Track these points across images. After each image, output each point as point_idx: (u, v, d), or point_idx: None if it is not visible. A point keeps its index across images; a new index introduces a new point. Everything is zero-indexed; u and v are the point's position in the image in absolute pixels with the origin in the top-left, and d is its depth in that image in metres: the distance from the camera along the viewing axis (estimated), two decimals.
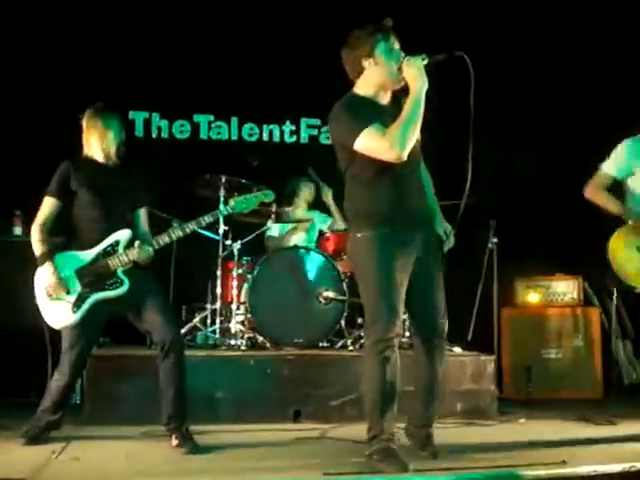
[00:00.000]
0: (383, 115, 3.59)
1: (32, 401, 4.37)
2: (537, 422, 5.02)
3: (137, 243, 4.07)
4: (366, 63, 3.62)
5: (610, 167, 4.54)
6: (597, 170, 4.58)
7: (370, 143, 3.51)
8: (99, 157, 4.23)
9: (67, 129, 6.15)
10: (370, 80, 3.66)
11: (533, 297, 6.49)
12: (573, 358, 6.24)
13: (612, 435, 4.46)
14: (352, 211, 3.77)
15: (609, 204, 4.51)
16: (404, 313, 3.84)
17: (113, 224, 4.12)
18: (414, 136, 3.53)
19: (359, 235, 3.68)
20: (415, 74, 3.55)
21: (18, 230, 5.79)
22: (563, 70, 6.99)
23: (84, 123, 4.26)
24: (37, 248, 4.13)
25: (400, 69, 3.59)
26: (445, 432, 4.55)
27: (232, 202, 4.33)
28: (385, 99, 3.70)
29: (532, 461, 3.68)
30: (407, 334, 5.44)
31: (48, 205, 4.17)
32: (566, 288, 6.45)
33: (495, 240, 5.68)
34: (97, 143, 4.21)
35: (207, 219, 4.21)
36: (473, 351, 5.46)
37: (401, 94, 3.68)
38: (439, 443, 3.95)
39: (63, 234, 4.39)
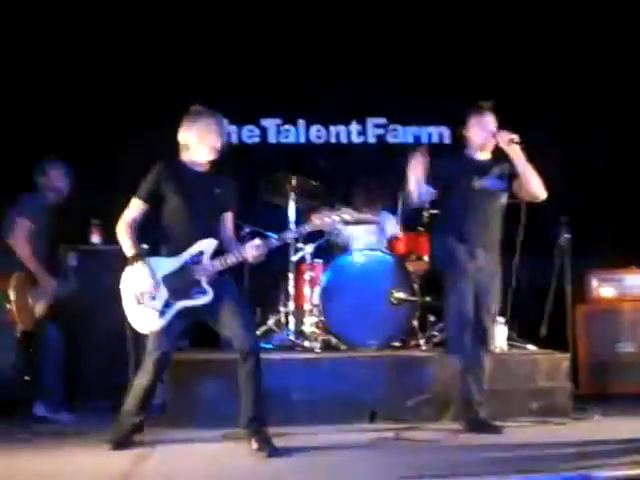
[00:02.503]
0: (472, 166, 4.85)
1: (114, 404, 4.49)
2: (613, 419, 4.98)
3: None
4: (468, 130, 4.91)
5: None
6: None
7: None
8: (197, 160, 4.27)
9: (141, 137, 6.44)
10: (470, 142, 4.90)
11: (607, 291, 6.41)
12: None
13: None
14: None
15: None
16: None
17: (201, 231, 4.19)
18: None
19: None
20: None
21: (96, 238, 5.99)
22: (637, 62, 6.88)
23: (188, 124, 4.25)
24: (128, 248, 4.16)
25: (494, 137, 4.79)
26: (519, 431, 4.58)
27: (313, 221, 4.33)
28: (482, 155, 4.89)
29: (609, 462, 3.67)
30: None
31: (136, 207, 4.21)
32: None
33: (567, 236, 5.62)
34: (201, 145, 4.23)
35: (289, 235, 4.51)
36: (547, 348, 5.45)
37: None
38: (512, 443, 3.95)
39: (148, 240, 4.46)
